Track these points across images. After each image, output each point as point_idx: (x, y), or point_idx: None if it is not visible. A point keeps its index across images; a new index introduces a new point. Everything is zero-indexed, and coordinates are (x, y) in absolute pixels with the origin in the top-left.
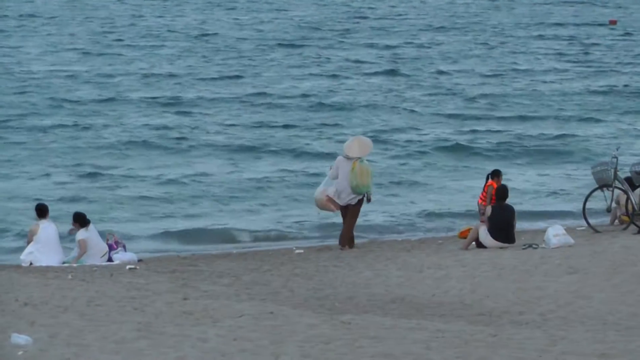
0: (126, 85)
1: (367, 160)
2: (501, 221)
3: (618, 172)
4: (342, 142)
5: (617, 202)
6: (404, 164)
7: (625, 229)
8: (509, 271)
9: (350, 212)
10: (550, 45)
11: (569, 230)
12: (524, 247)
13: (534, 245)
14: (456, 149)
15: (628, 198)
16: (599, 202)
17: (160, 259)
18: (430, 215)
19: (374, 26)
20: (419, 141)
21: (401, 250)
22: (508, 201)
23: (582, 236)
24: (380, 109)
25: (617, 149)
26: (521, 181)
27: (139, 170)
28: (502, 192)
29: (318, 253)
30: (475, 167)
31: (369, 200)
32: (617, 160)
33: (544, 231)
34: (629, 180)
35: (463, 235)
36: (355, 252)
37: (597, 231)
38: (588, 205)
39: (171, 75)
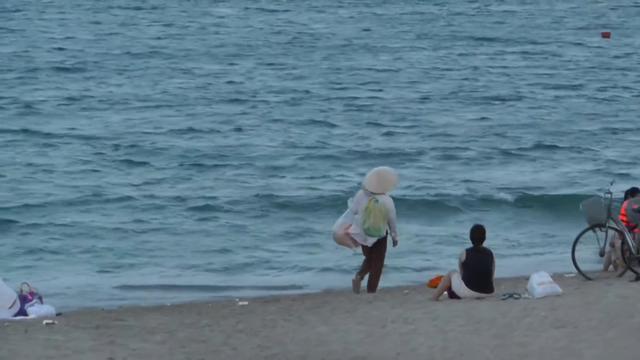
0: None
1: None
2: (477, 267)
3: (612, 210)
4: None
5: (612, 245)
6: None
7: (620, 275)
8: (487, 325)
9: (375, 254)
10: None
11: (556, 277)
12: (504, 297)
13: (515, 295)
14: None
15: (624, 240)
16: (590, 245)
17: (82, 313)
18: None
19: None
20: None
21: (361, 301)
22: (485, 244)
23: (571, 284)
24: None
25: (611, 183)
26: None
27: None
28: (478, 233)
29: (265, 305)
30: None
31: (394, 243)
32: (611, 196)
33: (527, 279)
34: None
35: (433, 284)
36: (308, 303)
37: (588, 278)
38: (578, 248)
39: None
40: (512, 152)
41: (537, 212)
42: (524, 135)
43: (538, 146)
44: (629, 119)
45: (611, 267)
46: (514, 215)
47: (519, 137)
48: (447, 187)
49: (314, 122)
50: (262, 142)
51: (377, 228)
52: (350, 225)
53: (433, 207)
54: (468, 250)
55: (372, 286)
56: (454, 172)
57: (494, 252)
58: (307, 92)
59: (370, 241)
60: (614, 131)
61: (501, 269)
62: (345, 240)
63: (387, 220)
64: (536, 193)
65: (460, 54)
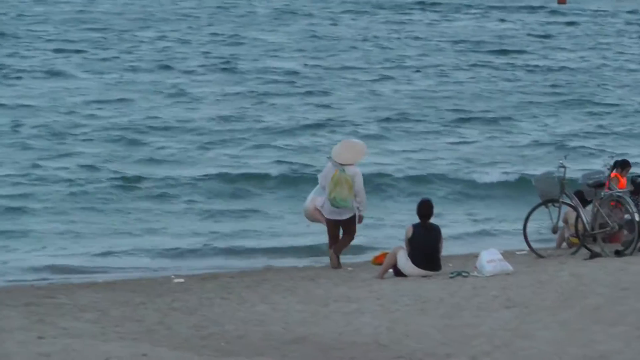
0: None
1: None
2: (424, 244)
3: (566, 185)
4: None
5: (565, 221)
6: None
7: (574, 253)
8: (435, 305)
9: (345, 229)
10: None
11: (507, 255)
12: (452, 275)
13: (464, 273)
14: None
15: (578, 216)
16: (543, 221)
17: (10, 290)
18: None
19: None
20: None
21: (303, 279)
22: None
23: (522, 262)
24: None
25: (565, 157)
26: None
27: None
28: (425, 208)
29: (202, 282)
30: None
31: (359, 219)
32: (565, 170)
33: (476, 256)
34: (579, 194)
35: (378, 261)
36: (247, 281)
37: (541, 256)
38: (530, 224)
39: None
40: (456, 125)
41: (486, 187)
42: (468, 107)
43: (485, 119)
44: (576, 91)
45: (564, 244)
46: (462, 190)
47: (463, 108)
48: (390, 162)
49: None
50: (198, 116)
51: (343, 198)
52: (320, 200)
53: (377, 181)
54: (415, 226)
55: (338, 249)
56: (394, 145)
57: (441, 228)
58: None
59: (338, 215)
60: (557, 106)
61: (449, 246)
62: (316, 215)
63: (354, 192)
64: (484, 168)
65: (387, 21)
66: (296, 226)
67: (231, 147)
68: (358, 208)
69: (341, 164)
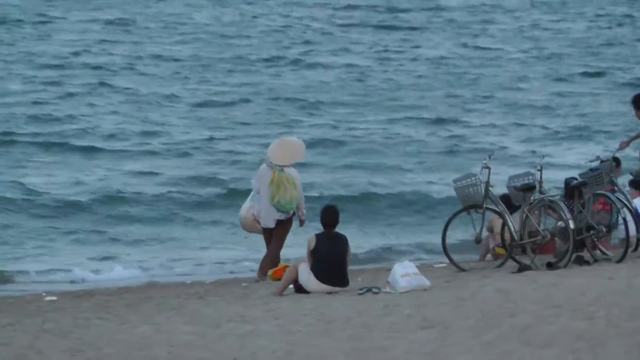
0: None
1: (297, 167)
2: (329, 256)
3: (491, 188)
4: None
5: (490, 230)
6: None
7: (500, 265)
8: (341, 325)
9: (276, 232)
10: None
11: (423, 268)
12: (361, 291)
13: (374, 290)
14: None
15: (505, 223)
16: (464, 229)
17: None
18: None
19: None
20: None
21: (191, 296)
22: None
23: (441, 276)
24: None
25: (489, 157)
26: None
27: None
28: (330, 216)
29: (76, 301)
30: None
31: (301, 222)
32: (489, 171)
33: (388, 270)
34: (505, 199)
35: (277, 275)
36: (128, 298)
37: (462, 269)
38: (450, 233)
39: None
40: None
41: (396, 195)
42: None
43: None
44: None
45: (489, 256)
46: (369, 198)
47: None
48: None
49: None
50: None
51: (289, 200)
52: (257, 208)
53: None
54: (318, 236)
55: (263, 267)
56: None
57: (348, 238)
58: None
59: (275, 219)
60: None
61: (358, 259)
62: (254, 225)
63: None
64: (393, 173)
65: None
66: (180, 238)
67: None
68: (298, 213)
69: (279, 165)
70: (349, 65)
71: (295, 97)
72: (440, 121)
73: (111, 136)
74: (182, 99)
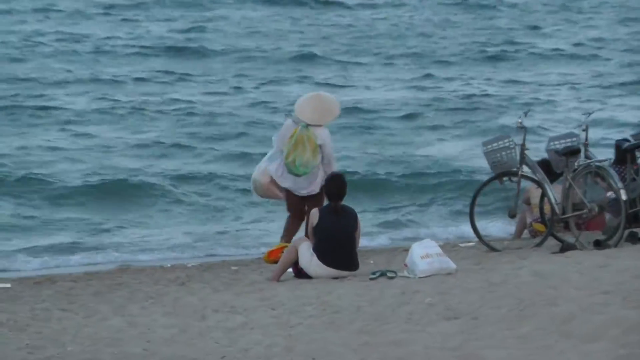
0: None
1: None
2: (335, 234)
3: (527, 152)
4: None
5: (527, 202)
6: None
7: (539, 244)
8: (349, 316)
9: (309, 205)
10: None
11: (448, 247)
12: (373, 276)
13: (389, 274)
14: None
15: (544, 194)
16: (496, 201)
17: None
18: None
19: None
20: None
21: (171, 282)
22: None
23: (469, 257)
24: None
25: (525, 114)
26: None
27: None
28: (335, 185)
29: (36, 288)
30: None
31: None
32: (525, 132)
33: (406, 250)
34: (544, 164)
35: (273, 257)
36: (96, 285)
37: (493, 249)
38: (479, 206)
39: None
40: None
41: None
42: None
43: None
44: None
45: (526, 232)
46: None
47: None
48: None
49: None
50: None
51: (304, 162)
52: (272, 167)
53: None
54: (322, 210)
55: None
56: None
57: (358, 213)
58: None
59: (304, 187)
60: None
61: (369, 237)
62: (270, 189)
63: (322, 155)
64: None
65: None
66: (159, 212)
67: None
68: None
69: (307, 125)
70: None
71: None
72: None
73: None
74: None
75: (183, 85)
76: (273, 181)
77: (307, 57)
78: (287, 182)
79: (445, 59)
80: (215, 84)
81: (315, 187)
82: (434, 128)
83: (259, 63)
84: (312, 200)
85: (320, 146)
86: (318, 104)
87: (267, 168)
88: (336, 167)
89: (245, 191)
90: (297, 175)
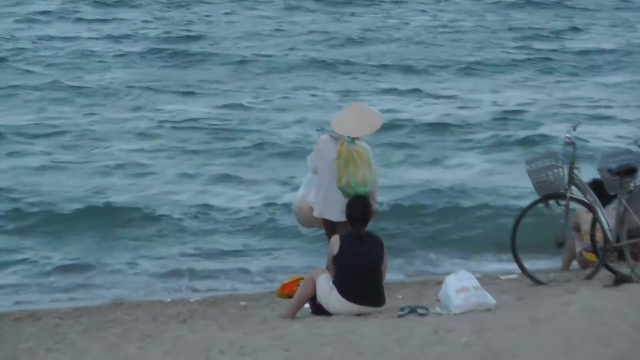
0: None
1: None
2: (359, 264)
3: (577, 171)
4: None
5: (577, 228)
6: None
7: (590, 276)
8: (374, 358)
9: (345, 228)
10: None
11: (486, 280)
12: (401, 312)
13: (420, 310)
14: None
15: (596, 219)
16: (542, 227)
17: None
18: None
19: None
20: None
21: (172, 319)
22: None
23: (509, 291)
24: None
25: (574, 127)
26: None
27: None
28: (359, 209)
29: (17, 326)
30: None
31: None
32: (574, 148)
33: (439, 283)
34: (596, 185)
35: (287, 291)
36: (85, 322)
37: (538, 282)
38: (522, 233)
39: None
40: None
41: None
42: None
43: None
44: None
45: (575, 262)
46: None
47: None
48: None
49: None
50: None
51: (361, 181)
52: (312, 195)
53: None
54: (343, 237)
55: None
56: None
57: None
58: None
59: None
60: None
61: (396, 267)
62: (314, 218)
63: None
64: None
65: None
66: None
67: None
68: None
69: (344, 137)
70: None
71: None
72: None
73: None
74: None
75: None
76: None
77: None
78: (321, 210)
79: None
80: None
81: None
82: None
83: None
84: (343, 226)
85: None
86: (358, 114)
87: (306, 195)
88: (377, 184)
89: (254, 216)
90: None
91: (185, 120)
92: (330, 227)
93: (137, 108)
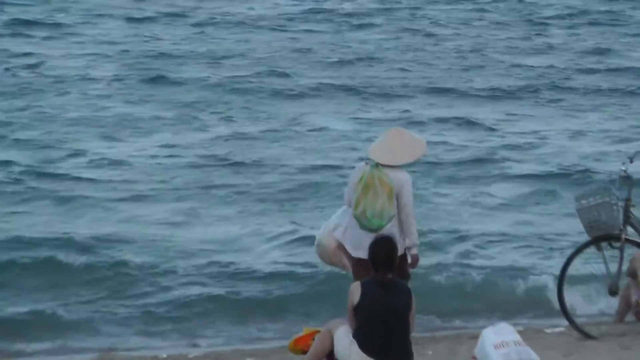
0: None
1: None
2: (382, 315)
3: (633, 209)
4: None
5: (633, 274)
6: None
7: None
8: None
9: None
10: None
11: (529, 333)
12: None
13: None
14: None
15: None
16: (593, 273)
17: None
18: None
19: None
20: None
21: None
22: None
23: (555, 346)
24: None
25: (630, 160)
26: None
27: None
28: (383, 251)
29: None
30: None
31: (412, 260)
32: (631, 183)
33: (475, 337)
34: None
35: (302, 345)
36: None
37: (588, 336)
38: (570, 280)
39: None
40: None
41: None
42: None
43: None
44: None
45: (631, 314)
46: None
47: None
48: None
49: None
50: None
51: (379, 212)
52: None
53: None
54: (366, 284)
55: None
56: None
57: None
58: None
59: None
60: None
61: (426, 316)
62: (338, 256)
63: (399, 208)
64: None
65: None
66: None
67: None
68: (406, 240)
69: (380, 165)
70: None
71: None
72: None
73: None
74: None
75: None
76: (341, 246)
77: None
78: (352, 247)
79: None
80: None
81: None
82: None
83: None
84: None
85: (397, 194)
86: (394, 140)
87: (334, 230)
88: (414, 219)
89: (263, 252)
90: (370, 230)
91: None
92: (363, 268)
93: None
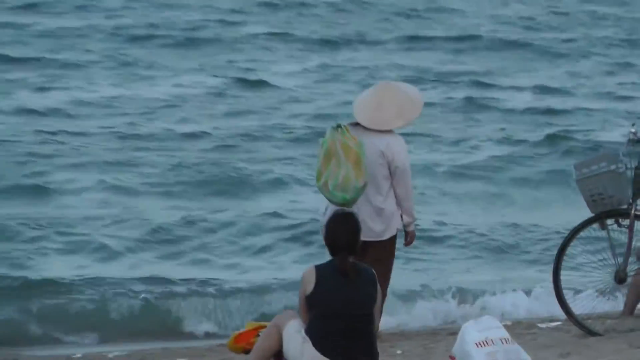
0: None
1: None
2: (341, 308)
3: None
4: None
5: None
6: None
7: None
8: None
9: (368, 257)
10: None
11: (519, 328)
12: None
13: None
14: None
15: None
16: (595, 257)
17: None
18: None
19: None
20: None
21: None
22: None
23: (552, 344)
24: None
25: (633, 125)
26: None
27: None
28: (346, 231)
29: None
30: None
31: (407, 237)
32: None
33: (453, 333)
34: None
35: (243, 343)
36: None
37: (591, 332)
38: (568, 265)
39: None
40: None
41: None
42: None
43: None
44: None
45: None
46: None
47: None
48: None
49: None
50: None
51: (342, 184)
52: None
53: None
54: (321, 270)
55: None
56: None
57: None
58: None
59: (375, 226)
60: None
61: (394, 312)
62: None
63: (394, 178)
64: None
65: None
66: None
67: None
68: (402, 216)
69: (365, 129)
70: None
71: None
72: None
73: None
74: None
75: None
76: None
77: None
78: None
79: None
80: None
81: (379, 227)
82: None
83: None
84: (374, 250)
85: (389, 162)
86: (390, 96)
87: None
88: (411, 193)
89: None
90: (338, 204)
91: None
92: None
93: None
